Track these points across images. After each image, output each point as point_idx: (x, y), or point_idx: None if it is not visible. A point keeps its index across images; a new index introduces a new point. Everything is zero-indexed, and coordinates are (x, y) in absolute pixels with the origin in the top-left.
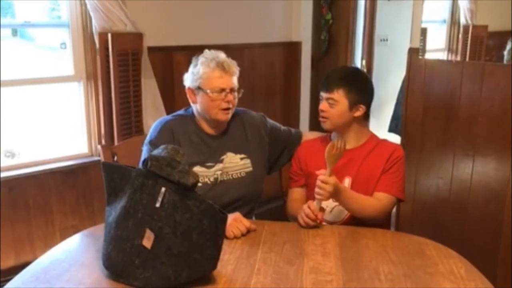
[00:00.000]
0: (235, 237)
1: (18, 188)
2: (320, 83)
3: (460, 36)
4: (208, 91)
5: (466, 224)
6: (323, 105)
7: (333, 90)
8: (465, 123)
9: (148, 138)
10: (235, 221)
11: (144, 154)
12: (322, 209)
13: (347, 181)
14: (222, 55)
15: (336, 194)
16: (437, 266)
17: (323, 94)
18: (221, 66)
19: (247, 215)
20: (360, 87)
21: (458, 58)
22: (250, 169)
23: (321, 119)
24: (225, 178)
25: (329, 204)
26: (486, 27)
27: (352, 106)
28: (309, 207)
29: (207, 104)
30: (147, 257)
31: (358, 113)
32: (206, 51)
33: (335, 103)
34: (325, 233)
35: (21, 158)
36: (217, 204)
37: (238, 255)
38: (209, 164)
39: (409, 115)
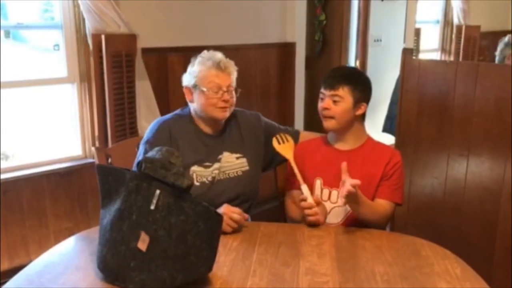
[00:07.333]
0: (233, 230)
1: (12, 190)
2: (323, 81)
3: (454, 36)
4: (205, 89)
5: (461, 224)
6: (326, 103)
7: (338, 87)
8: (460, 123)
9: (145, 137)
10: (224, 214)
11: (139, 153)
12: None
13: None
14: (219, 55)
15: (353, 202)
16: (432, 266)
17: (326, 92)
18: (217, 65)
19: None
20: (363, 85)
21: (452, 58)
22: (247, 168)
23: (324, 118)
24: (222, 177)
25: (327, 205)
26: (478, 27)
27: (356, 104)
28: (301, 200)
29: (203, 102)
30: (143, 259)
31: (360, 111)
32: (204, 52)
33: (340, 100)
34: (321, 234)
35: (15, 161)
36: (215, 203)
37: (233, 257)
38: (207, 163)
39: (403, 115)
